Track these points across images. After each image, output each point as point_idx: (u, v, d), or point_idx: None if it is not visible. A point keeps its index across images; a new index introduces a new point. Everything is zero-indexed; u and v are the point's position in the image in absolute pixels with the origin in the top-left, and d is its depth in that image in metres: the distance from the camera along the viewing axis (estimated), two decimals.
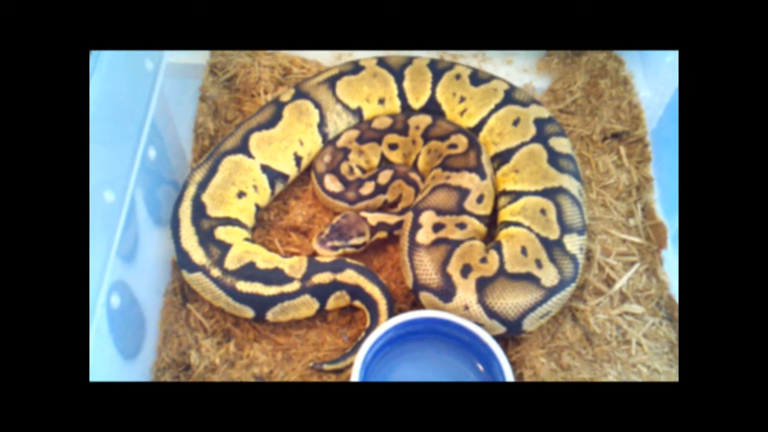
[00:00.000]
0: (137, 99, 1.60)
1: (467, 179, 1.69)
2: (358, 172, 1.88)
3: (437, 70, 1.94)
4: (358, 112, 1.92)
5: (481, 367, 1.51)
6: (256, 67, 2.04)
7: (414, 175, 1.83)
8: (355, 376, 1.42)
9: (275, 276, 1.55)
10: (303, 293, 1.56)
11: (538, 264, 1.55)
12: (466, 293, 1.50)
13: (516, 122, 1.81)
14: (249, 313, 1.57)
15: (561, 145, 1.75)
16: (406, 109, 1.96)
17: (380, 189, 1.82)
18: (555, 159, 1.72)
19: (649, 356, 1.57)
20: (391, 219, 1.75)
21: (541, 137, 1.77)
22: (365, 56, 2.02)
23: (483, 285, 1.50)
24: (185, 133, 1.89)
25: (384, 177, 1.83)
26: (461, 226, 1.63)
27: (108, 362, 1.34)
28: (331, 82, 1.90)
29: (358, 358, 1.44)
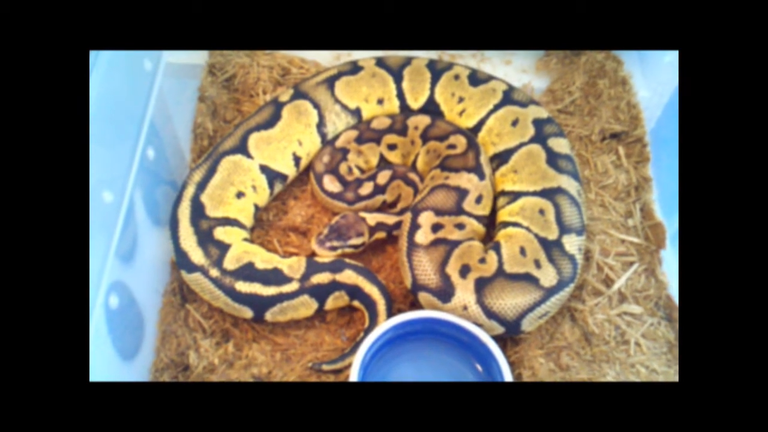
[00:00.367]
0: (136, 99, 1.60)
1: (466, 180, 1.69)
2: (357, 173, 1.88)
3: (436, 71, 1.94)
4: (356, 113, 1.92)
5: (479, 368, 1.51)
6: (255, 68, 2.04)
7: (413, 176, 1.83)
8: (353, 376, 1.42)
9: (274, 276, 1.55)
10: (302, 293, 1.56)
11: (537, 264, 1.55)
12: (464, 293, 1.50)
13: (515, 123, 1.81)
14: (248, 313, 1.57)
15: (560, 145, 1.76)
16: (405, 110, 1.96)
17: (379, 189, 1.82)
18: (554, 159, 1.72)
19: (648, 356, 1.57)
20: (389, 219, 1.75)
21: (539, 137, 1.77)
22: (364, 56, 2.02)
23: (482, 285, 1.50)
24: (184, 133, 1.89)
25: (383, 177, 1.83)
26: (460, 226, 1.63)
27: (106, 363, 1.34)
28: (330, 83, 1.90)
29: (357, 359, 1.44)
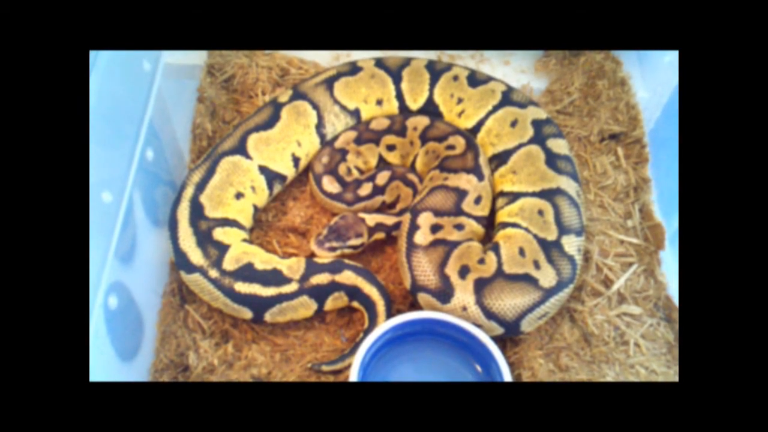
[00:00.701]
0: (135, 100, 1.60)
1: (465, 180, 1.69)
2: (356, 173, 1.88)
3: (435, 72, 1.94)
4: (356, 113, 1.92)
5: (479, 368, 1.51)
6: (254, 68, 2.04)
7: (412, 176, 1.83)
8: (353, 376, 1.42)
9: (273, 277, 1.55)
10: (301, 294, 1.56)
11: (536, 265, 1.55)
12: (464, 294, 1.50)
13: (514, 123, 1.81)
14: (247, 314, 1.57)
15: (559, 146, 1.76)
16: (404, 111, 1.96)
17: (378, 190, 1.82)
18: (553, 160, 1.72)
19: (647, 357, 1.57)
20: (389, 220, 1.75)
21: (538, 138, 1.77)
22: (363, 56, 2.02)
23: (481, 286, 1.50)
24: (183, 133, 1.89)
25: (382, 178, 1.83)
26: (459, 227, 1.63)
27: (106, 363, 1.34)
28: (329, 83, 1.90)
29: (357, 359, 1.44)
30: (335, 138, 1.90)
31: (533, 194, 1.68)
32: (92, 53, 1.35)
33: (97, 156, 1.29)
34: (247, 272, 1.55)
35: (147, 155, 1.60)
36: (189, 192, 1.66)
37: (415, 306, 1.62)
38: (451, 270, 1.53)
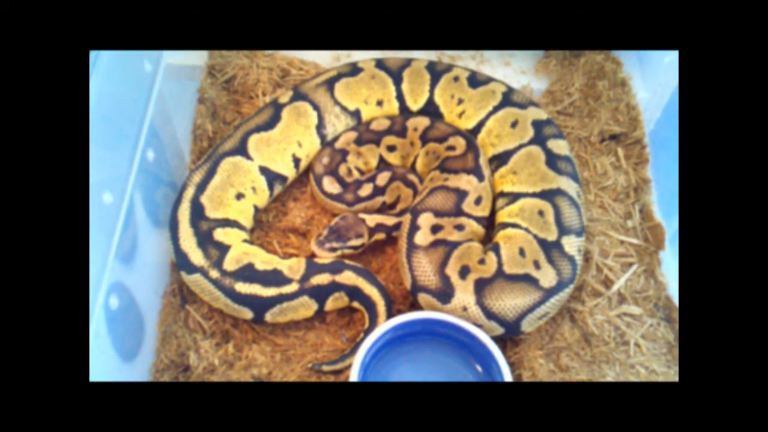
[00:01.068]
0: (136, 100, 1.60)
1: (465, 181, 1.69)
2: (356, 174, 1.88)
3: (435, 72, 1.95)
4: (356, 114, 1.92)
5: (479, 368, 1.51)
6: (255, 69, 2.04)
7: (412, 177, 1.83)
8: (353, 377, 1.42)
9: (274, 277, 1.55)
10: (302, 294, 1.56)
11: (536, 265, 1.55)
12: (464, 294, 1.50)
13: (514, 124, 1.82)
14: (248, 314, 1.57)
15: (559, 146, 1.76)
16: (405, 111, 1.96)
17: (378, 191, 1.83)
18: (553, 161, 1.72)
19: (647, 357, 1.57)
20: (389, 220, 1.76)
21: (539, 139, 1.77)
22: (363, 57, 2.03)
23: (481, 286, 1.51)
24: (184, 134, 1.89)
25: (382, 179, 1.83)
26: (459, 227, 1.63)
27: (106, 364, 1.34)
28: (330, 84, 1.90)
29: (357, 359, 1.44)
30: (336, 139, 1.90)
31: (533, 195, 1.69)
32: (93, 53, 1.35)
33: (97, 157, 1.29)
34: (248, 273, 1.55)
35: (148, 156, 1.60)
36: (190, 192, 1.66)
37: (415, 306, 1.63)
38: (452, 270, 1.53)
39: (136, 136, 1.57)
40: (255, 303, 1.55)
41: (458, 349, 1.53)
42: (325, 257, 1.66)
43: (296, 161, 1.83)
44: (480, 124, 1.87)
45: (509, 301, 1.49)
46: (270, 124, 1.80)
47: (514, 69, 2.18)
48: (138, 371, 1.50)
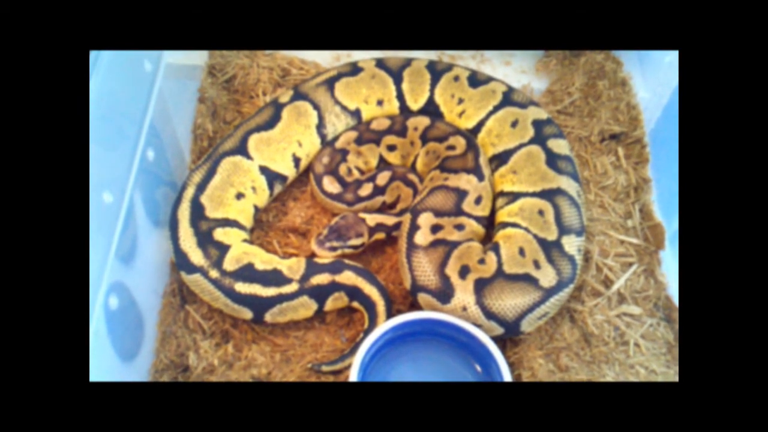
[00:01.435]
0: (136, 100, 1.60)
1: (465, 181, 1.69)
2: (356, 174, 1.88)
3: (436, 72, 1.95)
4: (356, 114, 1.92)
5: (479, 368, 1.51)
6: (255, 69, 2.04)
7: (412, 177, 1.83)
8: (353, 377, 1.42)
9: (274, 277, 1.55)
10: (301, 294, 1.56)
11: (536, 265, 1.55)
12: (464, 294, 1.50)
13: (514, 124, 1.82)
14: (247, 314, 1.57)
15: (559, 146, 1.76)
16: (405, 111, 1.96)
17: (378, 190, 1.82)
18: (553, 160, 1.72)
19: (647, 357, 1.57)
20: (389, 220, 1.76)
21: (539, 139, 1.77)
22: (364, 56, 2.02)
23: (481, 286, 1.50)
24: (184, 134, 1.89)
25: (382, 178, 1.83)
26: (459, 227, 1.63)
27: (106, 364, 1.34)
28: (330, 84, 1.90)
29: (357, 359, 1.44)
30: (336, 138, 1.90)
31: (533, 194, 1.68)
32: (93, 53, 1.35)
33: (97, 156, 1.29)
34: (248, 272, 1.55)
35: (148, 156, 1.60)
36: (190, 192, 1.66)
37: (415, 306, 1.62)
38: (452, 270, 1.53)
39: (136, 135, 1.57)
40: (255, 303, 1.55)
41: (458, 349, 1.53)
42: (325, 257, 1.66)
43: (296, 161, 1.83)
44: (480, 124, 1.87)
45: (509, 301, 1.49)
46: (270, 124, 1.80)
47: (514, 68, 2.18)
48: (137, 371, 1.50)
